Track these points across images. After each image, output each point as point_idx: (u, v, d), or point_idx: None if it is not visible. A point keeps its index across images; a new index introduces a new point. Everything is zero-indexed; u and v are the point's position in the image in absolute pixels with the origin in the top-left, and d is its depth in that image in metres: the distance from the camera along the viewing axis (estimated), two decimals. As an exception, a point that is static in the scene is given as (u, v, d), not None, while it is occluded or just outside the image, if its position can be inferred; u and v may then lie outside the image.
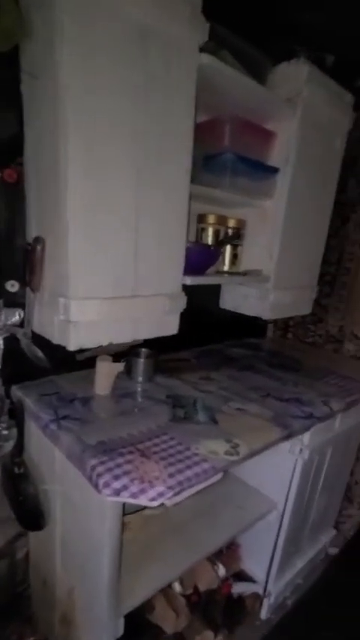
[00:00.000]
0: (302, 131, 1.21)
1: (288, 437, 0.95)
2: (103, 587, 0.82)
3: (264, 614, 1.41)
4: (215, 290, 1.53)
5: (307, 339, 1.78)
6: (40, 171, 0.85)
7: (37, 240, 0.85)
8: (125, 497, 0.68)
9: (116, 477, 0.69)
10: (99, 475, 0.69)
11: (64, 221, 0.77)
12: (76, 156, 0.74)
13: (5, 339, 1.01)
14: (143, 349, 1.18)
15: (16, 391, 1.01)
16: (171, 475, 0.71)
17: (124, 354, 1.14)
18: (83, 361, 1.14)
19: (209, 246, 1.21)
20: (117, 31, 0.74)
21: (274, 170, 1.23)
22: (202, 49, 0.91)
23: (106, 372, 1.04)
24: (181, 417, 0.94)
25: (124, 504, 0.79)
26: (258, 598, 1.42)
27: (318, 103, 1.22)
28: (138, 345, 1.18)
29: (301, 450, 1.19)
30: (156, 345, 1.20)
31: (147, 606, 1.22)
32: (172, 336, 1.16)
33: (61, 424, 0.85)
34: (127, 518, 1.05)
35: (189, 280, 1.04)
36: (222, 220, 1.28)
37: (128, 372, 1.15)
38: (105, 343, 0.90)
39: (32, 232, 0.91)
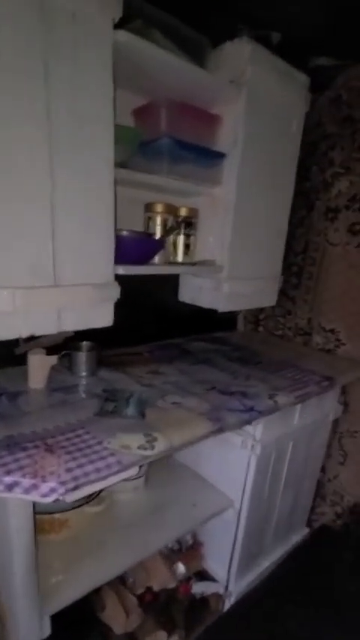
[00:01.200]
0: (249, 114, 1.16)
1: (219, 431, 0.90)
2: (18, 588, 0.79)
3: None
4: (174, 283, 1.49)
5: (277, 332, 1.72)
6: None
7: None
8: (18, 494, 0.65)
9: (9, 472, 0.66)
10: (-8, 470, 0.66)
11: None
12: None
13: None
14: (84, 342, 1.15)
15: None
16: (68, 470, 0.68)
17: (63, 347, 1.11)
18: (24, 356, 1.12)
19: (148, 235, 1.17)
20: (11, 7, 0.70)
21: (220, 155, 1.18)
22: (123, 27, 0.87)
23: (38, 366, 1.01)
24: (108, 411, 0.91)
25: (33, 502, 0.76)
26: (221, 598, 1.38)
27: (265, 84, 1.17)
28: (85, 338, 1.15)
29: (252, 445, 1.15)
30: (108, 339, 1.17)
31: (98, 604, 1.20)
32: (127, 330, 1.13)
33: (-24, 419, 0.83)
34: (64, 516, 1.02)
35: (122, 270, 1.01)
36: (171, 209, 1.24)
37: (69, 365, 1.12)
38: (24, 334, 0.87)
39: None
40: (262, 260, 1.39)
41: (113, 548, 1.05)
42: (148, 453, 0.76)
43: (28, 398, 0.96)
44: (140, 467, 1.20)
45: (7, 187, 0.77)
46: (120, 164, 1.00)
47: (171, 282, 1.48)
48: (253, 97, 1.15)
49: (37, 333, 0.89)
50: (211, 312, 1.43)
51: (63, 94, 0.80)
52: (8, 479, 0.65)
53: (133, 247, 1.05)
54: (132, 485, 1.22)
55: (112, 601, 1.20)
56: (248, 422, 0.99)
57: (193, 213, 1.29)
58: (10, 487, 0.65)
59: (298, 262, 1.60)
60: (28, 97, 0.76)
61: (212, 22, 1.13)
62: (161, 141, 1.05)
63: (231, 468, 1.24)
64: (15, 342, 1.09)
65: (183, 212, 1.27)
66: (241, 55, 1.12)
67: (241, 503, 1.24)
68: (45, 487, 0.64)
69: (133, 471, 0.76)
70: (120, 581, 1.25)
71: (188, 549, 1.41)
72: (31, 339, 1.06)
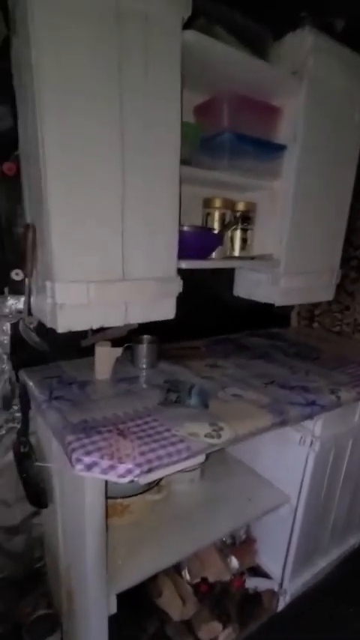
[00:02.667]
0: (310, 105, 1.14)
1: (282, 424, 0.90)
2: (89, 564, 0.83)
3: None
4: (229, 278, 1.50)
5: (333, 329, 1.67)
6: (29, 161, 0.88)
7: (28, 227, 0.89)
8: (96, 473, 0.69)
9: (88, 453, 0.70)
10: (73, 450, 0.71)
11: (45, 206, 0.80)
12: (53, 138, 0.76)
13: (13, 326, 1.07)
14: (145, 335, 1.18)
15: (23, 374, 1.07)
16: (142, 453, 0.71)
17: (126, 339, 1.16)
18: (90, 348, 1.18)
19: (208, 230, 1.18)
20: (89, 10, 0.74)
21: (281, 148, 1.17)
22: (189, 26, 0.89)
23: (104, 358, 1.06)
24: (172, 401, 0.94)
25: (105, 483, 0.80)
26: (275, 595, 1.37)
27: (328, 74, 1.14)
28: (145, 332, 1.19)
29: (312, 441, 1.13)
30: (167, 333, 1.20)
31: (155, 591, 1.24)
32: (185, 324, 1.16)
33: (52, 404, 0.89)
34: (127, 501, 1.07)
35: (184, 264, 1.03)
36: (228, 204, 1.25)
37: (131, 358, 1.17)
38: (95, 326, 0.92)
39: (27, 221, 0.95)
40: (320, 254, 1.35)
41: (172, 535, 1.08)
42: (215, 441, 0.78)
43: (96, 387, 1.01)
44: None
45: (83, 187, 0.82)
46: (182, 161, 1.02)
47: (226, 277, 1.48)
48: (314, 88, 1.13)
49: (106, 325, 0.94)
50: (265, 308, 1.42)
51: (134, 97, 0.84)
52: (88, 459, 0.69)
53: (194, 242, 1.06)
54: (189, 477, 1.24)
55: (168, 589, 1.23)
56: (310, 416, 0.97)
57: (251, 207, 1.29)
58: (89, 467, 0.69)
59: (358, 256, 1.54)
60: (102, 100, 0.80)
61: (273, 12, 1.12)
62: (222, 136, 1.06)
63: (288, 464, 1.23)
64: (81, 335, 1.15)
65: (240, 207, 1.27)
66: (302, 45, 1.10)
67: (298, 499, 1.22)
68: (122, 468, 0.68)
69: (200, 459, 0.78)
70: (175, 571, 1.28)
71: (241, 544, 1.41)
72: (98, 331, 1.11)
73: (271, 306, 1.36)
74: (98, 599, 0.88)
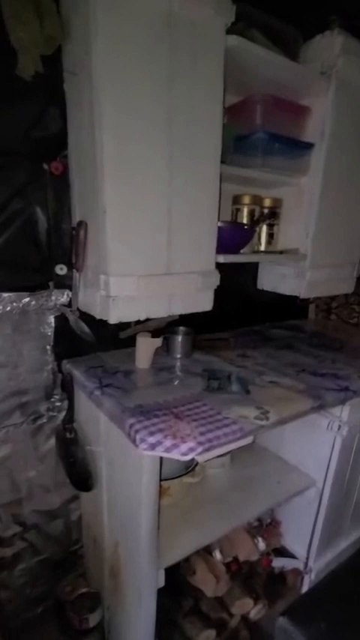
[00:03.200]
0: (338, 104, 1.18)
1: (320, 407, 0.96)
2: (143, 540, 0.89)
3: (305, 590, 1.42)
4: (253, 271, 1.55)
5: (350, 320, 1.73)
6: (81, 161, 0.93)
7: (80, 224, 0.94)
8: (160, 452, 0.74)
9: (152, 434, 0.76)
10: (136, 431, 0.76)
11: (101, 205, 0.85)
12: (111, 143, 0.81)
13: (56, 319, 1.12)
14: (181, 327, 1.24)
15: (66, 365, 1.12)
16: (202, 433, 0.76)
17: (162, 331, 1.21)
18: (126, 340, 1.23)
19: (242, 225, 1.23)
20: (144, 19, 0.79)
21: (309, 146, 1.22)
22: (229, 31, 0.94)
23: (145, 347, 1.11)
24: (215, 388, 0.99)
25: (161, 466, 0.86)
26: (299, 574, 1.44)
27: (355, 74, 1.19)
28: (176, 324, 1.24)
29: (339, 426, 1.19)
30: (196, 325, 1.25)
31: (188, 570, 1.30)
32: (211, 317, 1.22)
33: (105, 391, 0.94)
34: (167, 484, 1.13)
35: (222, 258, 1.08)
36: (257, 200, 1.30)
37: (167, 348, 1.22)
38: (142, 317, 0.97)
39: (77, 218, 1.00)
40: (343, 247, 1.41)
41: (208, 516, 1.14)
42: (264, 423, 0.83)
43: (139, 376, 1.07)
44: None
45: (135, 187, 0.87)
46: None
47: (251, 271, 1.53)
48: (342, 88, 1.18)
49: (152, 316, 0.99)
50: (284, 301, 1.47)
51: (182, 102, 0.88)
52: (152, 439, 0.75)
53: (230, 237, 1.12)
54: (220, 462, 1.30)
55: (201, 567, 1.29)
56: (344, 401, 1.03)
57: (278, 203, 1.34)
58: (153, 446, 0.74)
59: (376, 250, 1.60)
60: (155, 103, 0.85)
61: (304, 15, 1.16)
62: (256, 136, 1.10)
63: (314, 449, 1.29)
64: (120, 327, 1.20)
65: (267, 203, 1.32)
66: (331, 47, 1.14)
67: (324, 483, 1.29)
68: (184, 446, 0.74)
69: (249, 439, 0.83)
70: (206, 551, 1.34)
71: (267, 526, 1.48)
72: (138, 323, 1.17)
73: (291, 298, 1.42)
74: (149, 573, 0.94)
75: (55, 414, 1.21)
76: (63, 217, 1.04)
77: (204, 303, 1.08)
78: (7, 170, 0.95)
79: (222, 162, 1.08)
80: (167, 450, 0.74)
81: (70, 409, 1.12)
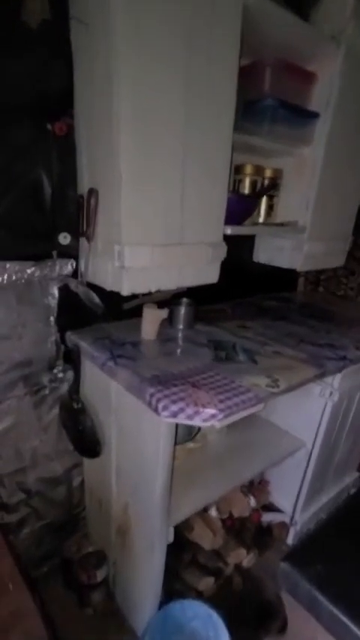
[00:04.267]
0: (345, 71, 1.17)
1: (322, 375, 1.02)
2: (158, 500, 0.94)
3: (290, 540, 1.56)
4: (249, 243, 1.56)
5: (338, 293, 1.80)
6: (92, 122, 0.88)
7: (91, 192, 0.90)
8: (182, 419, 0.77)
9: (174, 402, 0.78)
10: (158, 400, 0.78)
11: (117, 170, 0.82)
12: (128, 103, 0.78)
13: (60, 289, 1.10)
14: (184, 299, 1.24)
15: (72, 336, 1.11)
16: (221, 401, 0.80)
17: (166, 303, 1.21)
18: (128, 311, 1.23)
19: (248, 196, 1.23)
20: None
21: (315, 115, 1.21)
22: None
23: (152, 319, 1.11)
24: (223, 358, 1.02)
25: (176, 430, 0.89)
26: (285, 527, 1.57)
27: (365, 41, 1.17)
28: (179, 296, 1.25)
29: (331, 392, 1.27)
30: (194, 296, 1.26)
31: (187, 527, 1.38)
32: (210, 288, 1.23)
33: (118, 361, 0.94)
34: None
35: (229, 230, 1.08)
36: (259, 171, 1.29)
37: (170, 320, 1.23)
38: (154, 289, 0.97)
39: (84, 184, 0.96)
40: (339, 220, 1.44)
41: (210, 478, 1.20)
42: (275, 390, 0.88)
43: (147, 347, 1.08)
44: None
45: (151, 153, 0.84)
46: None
47: (248, 243, 1.54)
48: (351, 55, 1.16)
49: (162, 288, 0.99)
50: (276, 273, 1.50)
51: (200, 59, 0.84)
52: (175, 407, 0.77)
53: (236, 208, 1.11)
54: (218, 428, 1.36)
55: (198, 524, 1.38)
56: (342, 369, 1.09)
57: (278, 174, 1.33)
58: (175, 414, 0.77)
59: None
60: (172, 58, 0.81)
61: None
62: (266, 102, 1.08)
63: (306, 414, 1.37)
64: (124, 298, 1.19)
65: (268, 173, 1.32)
66: (343, 10, 1.12)
67: (313, 444, 1.38)
68: (206, 413, 0.77)
69: (261, 406, 0.88)
70: (202, 509, 1.43)
71: (257, 485, 1.58)
72: (146, 294, 1.16)
73: (283, 270, 1.45)
74: (162, 530, 0.99)
75: (57, 385, 1.20)
76: (68, 183, 0.99)
77: (212, 275, 1.09)
78: (8, 128, 0.88)
79: (230, 129, 1.06)
80: (189, 417, 0.77)
81: (77, 380, 1.12)
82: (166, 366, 0.96)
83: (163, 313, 1.12)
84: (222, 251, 1.07)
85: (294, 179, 1.35)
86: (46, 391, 1.19)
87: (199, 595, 1.29)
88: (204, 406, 0.77)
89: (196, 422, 0.77)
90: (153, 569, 1.06)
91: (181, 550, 1.36)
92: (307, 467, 1.43)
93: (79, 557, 1.28)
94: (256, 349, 1.10)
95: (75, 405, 1.11)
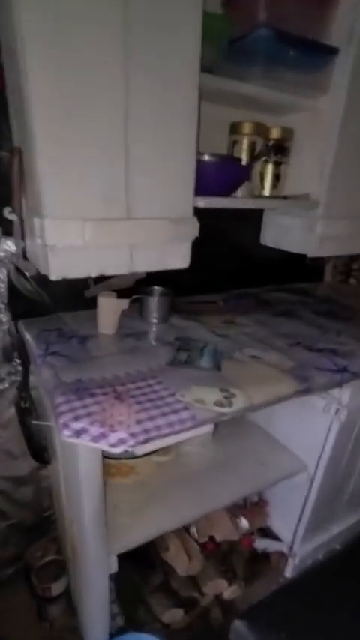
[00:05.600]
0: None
1: (306, 392, 0.77)
2: (88, 528, 0.79)
3: (288, 572, 1.33)
4: (256, 223, 1.31)
5: (373, 286, 1.48)
6: (13, 66, 0.71)
7: (13, 151, 0.75)
8: (85, 441, 0.60)
9: (77, 419, 0.61)
10: (60, 414, 0.62)
11: (30, 126, 0.64)
12: (38, 35, 0.59)
13: (9, 272, 0.96)
14: (156, 287, 1.05)
15: (20, 326, 0.98)
16: (139, 421, 0.61)
17: (134, 291, 1.03)
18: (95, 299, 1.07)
19: (234, 160, 0.99)
20: None
21: (332, 51, 0.92)
22: None
23: (108, 310, 0.95)
24: (181, 361, 0.82)
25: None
26: (284, 556, 1.34)
27: None
28: (156, 282, 1.06)
29: (337, 410, 1.01)
30: (181, 284, 1.06)
31: (162, 545, 1.22)
32: (201, 275, 1.02)
33: (46, 360, 0.79)
34: (132, 463, 1.01)
35: (201, 202, 0.86)
36: (261, 130, 1.03)
37: (140, 311, 1.05)
38: (94, 273, 0.80)
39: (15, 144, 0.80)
40: (367, 195, 1.14)
41: (179, 498, 1.02)
42: (225, 410, 0.67)
43: (99, 342, 0.91)
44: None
45: (75, 96, 0.65)
46: (204, 68, 0.82)
47: (253, 222, 1.29)
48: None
49: (108, 273, 0.81)
50: (295, 260, 1.24)
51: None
52: (76, 425, 0.60)
53: (215, 175, 0.89)
54: (199, 440, 1.16)
55: (174, 544, 1.21)
56: (340, 384, 0.84)
57: (287, 135, 1.07)
58: (78, 433, 0.60)
59: None
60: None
61: None
62: (257, 33, 0.83)
63: (308, 431, 1.13)
64: (85, 284, 1.03)
65: (275, 133, 1.06)
66: None
67: (316, 468, 1.13)
68: (113, 437, 0.59)
69: (207, 428, 0.67)
70: (183, 528, 1.25)
71: (253, 505, 1.37)
72: (101, 280, 0.99)
73: (302, 257, 1.18)
74: (98, 559, 0.84)
75: (18, 378, 1.09)
76: (1, 144, 0.84)
77: (178, 258, 0.88)
78: None
79: (208, 71, 0.83)
80: (94, 439, 0.60)
81: (25, 376, 0.99)
82: (104, 368, 0.78)
83: (123, 303, 0.95)
84: (191, 228, 0.86)
85: (307, 142, 1.07)
86: (5, 385, 1.08)
87: (166, 627, 1.13)
88: (112, 427, 0.59)
89: (102, 446, 0.59)
90: (95, 599, 0.92)
91: (151, 570, 1.21)
92: (308, 493, 1.19)
93: (40, 565, 1.18)
94: (231, 352, 0.88)
95: (22, 404, 0.98)
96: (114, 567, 0.88)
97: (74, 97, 0.65)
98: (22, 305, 1.01)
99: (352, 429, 1.08)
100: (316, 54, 0.91)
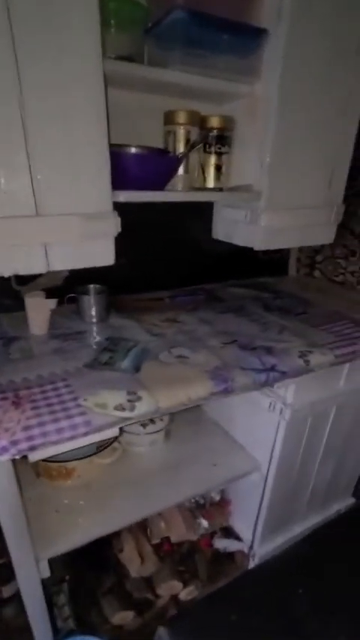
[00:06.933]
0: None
1: (224, 392, 0.74)
2: (10, 536, 0.77)
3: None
4: (208, 217, 1.27)
5: (336, 278, 1.43)
6: None
7: None
8: (-30, 449, 0.58)
9: None
10: None
11: None
12: None
13: None
14: (92, 285, 1.03)
15: None
16: (26, 428, 0.58)
17: (69, 290, 1.01)
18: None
19: (159, 151, 0.95)
20: None
21: (259, 32, 0.88)
22: None
23: (36, 309, 0.92)
24: (101, 363, 0.80)
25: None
26: (246, 555, 1.32)
27: None
28: (99, 281, 1.03)
29: (281, 409, 0.98)
30: (127, 282, 1.04)
31: (117, 546, 1.21)
32: (148, 272, 0.99)
33: None
34: (72, 465, 0.99)
35: (122, 196, 0.83)
36: (195, 119, 0.99)
37: (78, 310, 1.03)
38: (7, 274, 0.77)
39: None
40: (315, 184, 1.09)
41: (123, 500, 1.00)
42: (127, 414, 0.64)
43: (24, 344, 0.89)
44: (154, 421, 1.11)
45: None
46: (122, 57, 0.78)
47: (205, 217, 1.25)
48: None
49: (22, 273, 0.79)
50: (254, 253, 1.20)
51: None
52: None
53: (138, 167, 0.85)
54: (149, 440, 1.14)
55: (129, 545, 1.20)
56: (265, 384, 0.81)
57: (227, 124, 1.02)
58: None
59: (370, 187, 1.25)
60: None
61: None
62: (171, 16, 0.79)
63: (260, 431, 1.10)
64: (19, 283, 1.01)
65: (214, 122, 1.01)
66: None
67: (268, 468, 1.11)
68: (-4, 446, 0.56)
69: (110, 433, 0.65)
70: (140, 528, 1.24)
71: (214, 505, 1.34)
72: (28, 280, 0.97)
73: (264, 251, 1.14)
74: (26, 566, 0.82)
75: None
76: None
77: (100, 255, 0.85)
78: None
79: (129, 59, 0.79)
80: (-22, 448, 0.57)
81: None
82: (16, 372, 0.76)
83: (50, 303, 0.92)
84: (109, 224, 0.82)
85: (248, 129, 1.03)
86: None
87: (118, 629, 1.12)
88: (-5, 435, 0.57)
89: (-14, 455, 0.57)
90: (31, 601, 0.90)
91: (104, 571, 1.20)
92: (263, 493, 1.16)
93: (-8, 566, 1.17)
94: (158, 352, 0.85)
95: None
96: (45, 572, 0.87)
97: None
98: None
99: (301, 429, 1.05)
100: (241, 36, 0.87)
